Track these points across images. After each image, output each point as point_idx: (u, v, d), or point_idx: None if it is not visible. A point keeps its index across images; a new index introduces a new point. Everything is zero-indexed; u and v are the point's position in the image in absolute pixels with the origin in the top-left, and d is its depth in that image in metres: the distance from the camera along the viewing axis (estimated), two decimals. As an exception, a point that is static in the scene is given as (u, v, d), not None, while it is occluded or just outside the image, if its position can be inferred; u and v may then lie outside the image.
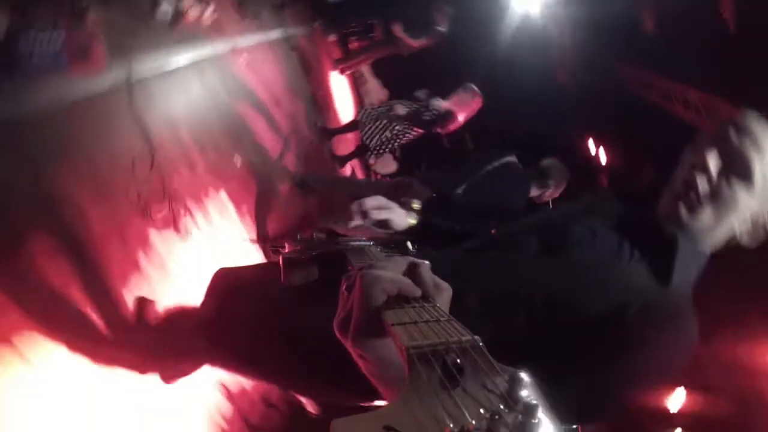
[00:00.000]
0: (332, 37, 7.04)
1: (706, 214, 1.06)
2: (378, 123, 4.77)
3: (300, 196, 4.24)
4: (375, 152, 4.92)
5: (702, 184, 1.05)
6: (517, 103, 6.94)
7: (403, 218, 1.28)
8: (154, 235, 2.35)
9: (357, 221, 1.21)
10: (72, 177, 1.99)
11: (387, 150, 4.93)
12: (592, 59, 7.68)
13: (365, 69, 8.08)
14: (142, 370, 1.97)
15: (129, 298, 2.09)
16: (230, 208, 3.14)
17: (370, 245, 1.07)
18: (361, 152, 5.50)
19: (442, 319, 0.53)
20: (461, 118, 4.69)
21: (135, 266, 2.19)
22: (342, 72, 6.99)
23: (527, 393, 0.38)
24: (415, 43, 5.59)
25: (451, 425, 0.35)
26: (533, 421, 0.35)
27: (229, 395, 2.48)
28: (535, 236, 1.15)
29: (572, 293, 0.99)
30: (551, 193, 3.42)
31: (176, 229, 2.51)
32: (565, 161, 3.59)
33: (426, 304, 0.58)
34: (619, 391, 0.88)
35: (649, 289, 0.99)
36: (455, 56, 6.85)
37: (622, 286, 0.99)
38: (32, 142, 1.86)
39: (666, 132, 5.81)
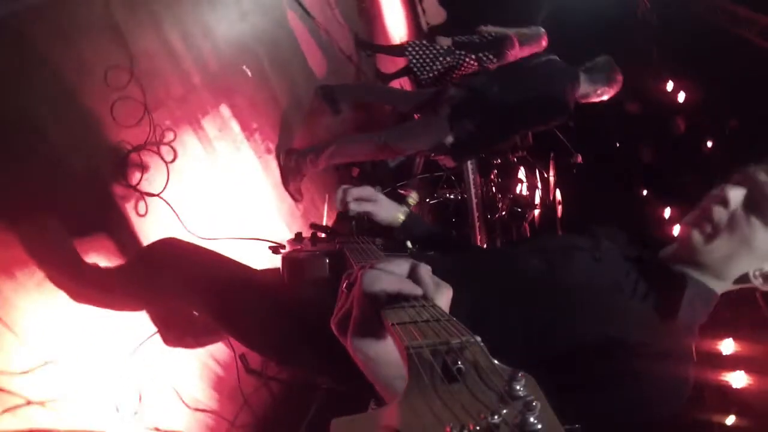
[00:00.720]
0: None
1: (719, 245, 1.03)
2: (426, 53, 4.40)
3: (328, 110, 3.89)
4: (425, 80, 4.54)
5: (718, 214, 1.04)
6: (590, 35, 6.24)
7: (388, 212, 1.26)
8: (133, 160, 2.12)
9: (340, 209, 1.20)
10: (35, 93, 1.76)
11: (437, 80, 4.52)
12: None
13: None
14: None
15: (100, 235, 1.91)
16: (234, 126, 2.85)
17: (371, 245, 1.06)
18: (407, 72, 5.06)
19: (442, 318, 0.53)
20: (519, 50, 4.25)
21: (108, 196, 1.98)
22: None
23: (527, 392, 0.38)
24: None
25: (452, 425, 0.34)
26: (533, 420, 0.34)
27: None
28: (538, 255, 1.15)
29: (568, 317, 0.98)
30: (601, 91, 3.12)
31: (159, 151, 2.25)
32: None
33: (426, 304, 0.58)
34: (607, 422, 0.87)
35: (652, 325, 0.98)
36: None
37: (622, 318, 0.98)
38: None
39: (756, 71, 5.05)
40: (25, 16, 1.76)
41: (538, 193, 6.17)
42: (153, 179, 2.19)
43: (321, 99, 3.82)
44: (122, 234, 2.02)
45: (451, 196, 5.57)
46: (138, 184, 2.11)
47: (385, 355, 0.60)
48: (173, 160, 2.31)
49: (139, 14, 2.27)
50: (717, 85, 5.91)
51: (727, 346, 4.77)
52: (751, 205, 1.02)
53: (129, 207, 2.07)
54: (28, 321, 1.59)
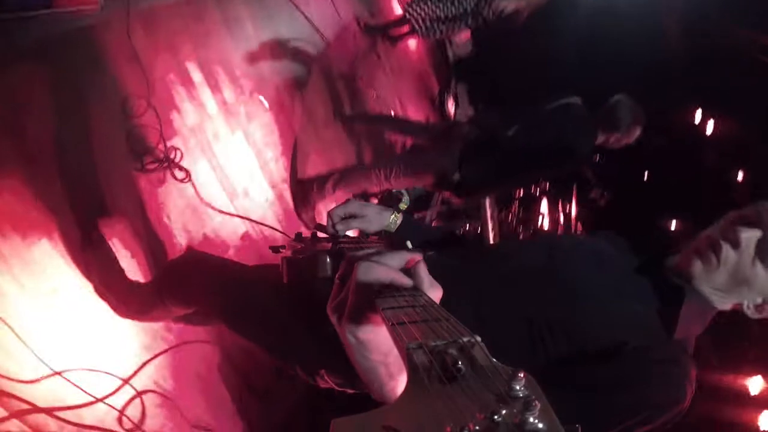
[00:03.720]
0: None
1: (718, 278, 1.03)
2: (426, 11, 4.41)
3: (344, 137, 3.97)
4: (424, 34, 4.59)
5: (726, 253, 1.02)
6: (617, 70, 6.21)
7: (379, 222, 1.25)
8: (146, 180, 2.24)
9: (331, 232, 1.19)
10: (58, 119, 1.90)
11: (437, 33, 4.57)
12: (705, 20, 6.67)
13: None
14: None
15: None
16: (250, 152, 2.95)
17: (369, 244, 1.07)
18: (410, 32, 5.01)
19: (442, 318, 0.53)
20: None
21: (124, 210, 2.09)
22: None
23: (527, 392, 0.38)
24: None
25: (452, 425, 0.35)
26: (533, 420, 0.34)
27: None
28: (541, 251, 1.17)
29: (568, 317, 0.99)
30: (621, 137, 2.89)
31: (172, 173, 2.36)
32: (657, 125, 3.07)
33: (427, 305, 0.58)
34: (600, 426, 0.87)
35: (650, 333, 0.99)
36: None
37: (622, 322, 0.99)
38: (14, 81, 1.78)
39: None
40: (60, 42, 1.93)
41: (559, 228, 6.10)
42: (166, 201, 2.31)
43: (341, 123, 3.93)
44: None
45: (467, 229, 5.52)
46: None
47: (374, 339, 0.63)
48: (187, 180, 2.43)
49: (161, 42, 2.43)
50: (745, 114, 5.80)
51: (755, 385, 4.54)
52: (761, 252, 1.00)
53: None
54: (39, 331, 1.68)
